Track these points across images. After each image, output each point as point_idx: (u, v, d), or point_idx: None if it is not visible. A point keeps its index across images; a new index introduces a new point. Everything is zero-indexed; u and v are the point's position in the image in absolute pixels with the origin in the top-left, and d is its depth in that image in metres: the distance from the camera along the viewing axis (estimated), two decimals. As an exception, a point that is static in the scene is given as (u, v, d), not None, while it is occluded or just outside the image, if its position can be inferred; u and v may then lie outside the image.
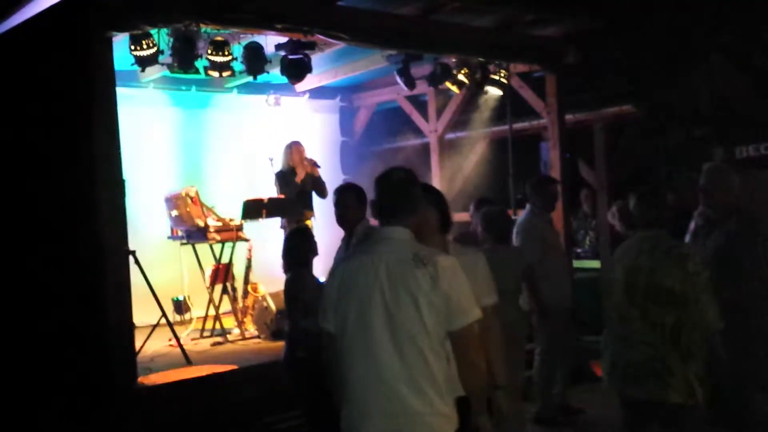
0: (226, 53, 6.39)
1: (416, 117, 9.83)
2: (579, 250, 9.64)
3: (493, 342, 3.40)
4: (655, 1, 9.06)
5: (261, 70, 6.63)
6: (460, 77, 7.91)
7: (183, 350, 6.17)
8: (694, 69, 9.38)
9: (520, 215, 6.44)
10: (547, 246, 6.07)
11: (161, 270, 7.04)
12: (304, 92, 9.58)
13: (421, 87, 8.54)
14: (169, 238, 7.43)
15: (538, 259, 5.96)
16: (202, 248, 7.24)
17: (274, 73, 7.29)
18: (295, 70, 6.75)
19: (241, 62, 6.62)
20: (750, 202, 8.47)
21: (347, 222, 4.41)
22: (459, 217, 9.57)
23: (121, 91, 5.60)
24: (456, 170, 9.69)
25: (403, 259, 2.76)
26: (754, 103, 8.87)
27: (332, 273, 2.95)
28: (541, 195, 6.23)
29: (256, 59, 6.58)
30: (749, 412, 4.69)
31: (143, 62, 5.94)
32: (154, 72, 7.25)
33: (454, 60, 7.89)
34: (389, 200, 2.90)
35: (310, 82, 8.58)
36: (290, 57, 6.64)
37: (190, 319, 7.74)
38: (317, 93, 9.79)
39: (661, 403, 3.76)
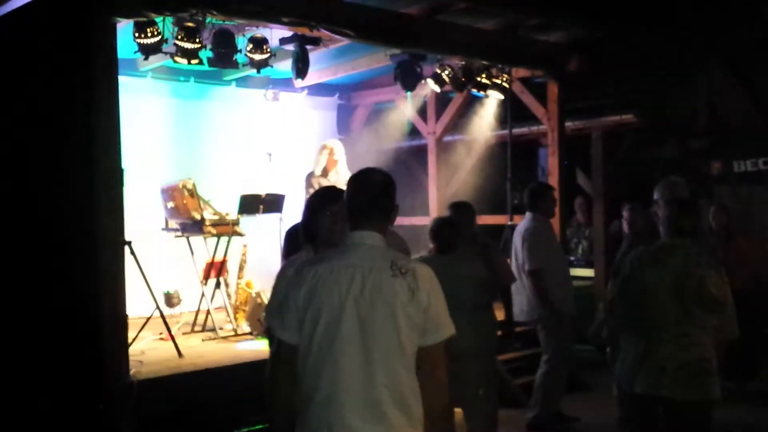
0: (231, 45, 6.33)
1: (414, 118, 9.79)
2: (572, 259, 9.63)
3: None
4: (656, 12, 9.08)
5: (265, 64, 6.58)
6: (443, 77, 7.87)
7: (175, 344, 6.09)
8: (693, 82, 9.41)
9: (521, 222, 6.38)
10: (551, 252, 6.05)
11: (153, 262, 6.92)
12: (302, 88, 9.52)
13: (421, 88, 8.49)
14: (163, 229, 7.33)
15: (543, 265, 5.94)
16: (197, 241, 7.15)
17: (275, 68, 7.24)
18: (303, 65, 6.72)
19: (245, 55, 6.56)
20: (744, 216, 8.51)
21: None
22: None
23: (119, 80, 5.50)
24: (453, 173, 9.66)
25: (379, 268, 2.56)
26: (752, 118, 8.90)
27: (298, 278, 2.64)
28: (544, 201, 6.20)
29: (260, 52, 6.52)
30: None
31: (147, 50, 5.86)
32: (154, 61, 7.15)
33: (462, 63, 7.85)
34: (366, 203, 2.69)
35: (310, 78, 8.50)
36: (298, 51, 6.59)
37: (180, 313, 7.65)
38: (316, 90, 9.74)
39: (706, 402, 3.89)
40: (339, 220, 3.32)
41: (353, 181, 2.76)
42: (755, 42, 8.83)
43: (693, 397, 3.87)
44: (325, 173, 7.52)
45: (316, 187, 7.06)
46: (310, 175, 7.56)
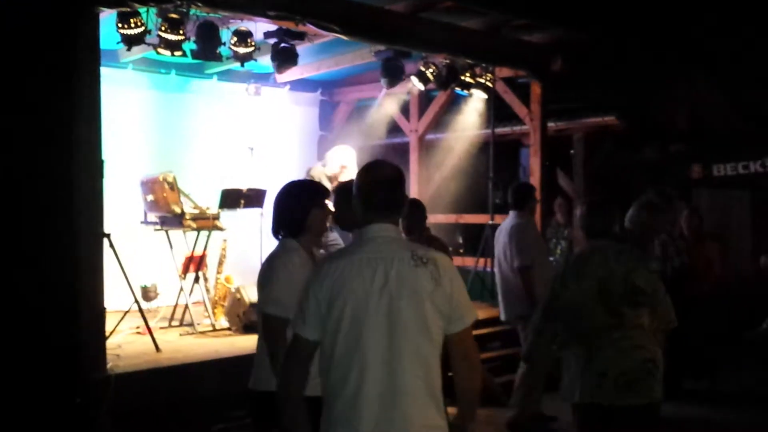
0: (215, 37, 6.27)
1: (397, 116, 9.77)
2: (551, 259, 9.65)
3: None
4: (640, 17, 9.12)
5: (249, 57, 6.53)
6: (427, 74, 7.86)
7: (153, 338, 6.02)
8: (674, 85, 9.48)
9: (506, 221, 6.38)
10: (537, 250, 6.05)
11: (131, 255, 6.85)
12: (284, 83, 9.47)
13: (404, 86, 8.47)
14: (142, 222, 7.24)
15: (532, 263, 5.95)
16: (176, 235, 7.07)
17: (258, 62, 7.19)
18: (286, 58, 6.65)
19: (228, 48, 6.50)
20: (722, 220, 8.61)
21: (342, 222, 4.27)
22: (435, 219, 9.60)
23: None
24: (434, 171, 9.65)
25: (401, 258, 2.56)
26: (732, 123, 8.98)
27: (318, 273, 2.63)
28: (530, 200, 6.22)
29: (244, 46, 6.46)
30: None
31: (130, 41, 5.79)
32: (136, 52, 7.08)
33: (446, 61, 7.84)
34: (384, 196, 2.67)
35: (292, 73, 8.49)
36: (281, 45, 6.53)
37: (157, 307, 7.57)
38: (298, 85, 9.69)
39: (649, 405, 3.79)
40: (329, 215, 3.46)
41: (367, 174, 2.72)
42: (736, 47, 8.92)
43: (635, 401, 3.77)
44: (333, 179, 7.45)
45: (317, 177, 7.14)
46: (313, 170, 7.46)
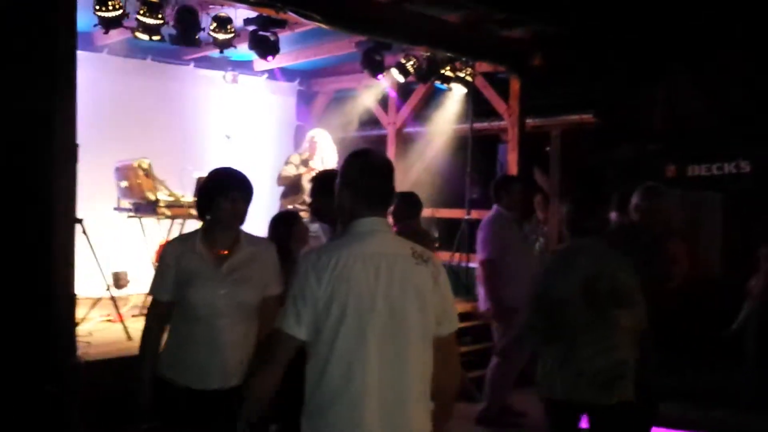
0: (194, 22, 6.19)
1: (375, 108, 9.73)
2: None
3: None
4: (619, 14, 9.16)
5: (228, 44, 6.45)
6: (408, 67, 7.84)
7: (124, 326, 5.94)
8: (653, 84, 9.53)
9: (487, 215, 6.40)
10: (507, 246, 6.02)
11: (103, 242, 6.74)
12: (262, 72, 9.38)
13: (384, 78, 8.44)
14: (115, 209, 7.14)
15: (495, 257, 5.94)
16: (149, 223, 6.98)
17: (236, 50, 7.12)
18: (265, 46, 6.58)
19: (207, 34, 6.42)
20: (693, 221, 8.66)
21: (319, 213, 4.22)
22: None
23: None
24: (411, 165, 9.63)
25: (404, 256, 2.44)
26: (709, 122, 9.04)
27: (313, 268, 2.42)
28: (505, 194, 6.18)
29: (224, 32, 6.38)
30: None
31: (107, 24, 5.71)
32: (113, 36, 6.95)
33: (427, 54, 7.82)
34: (380, 189, 2.51)
35: (270, 62, 8.39)
36: (260, 33, 6.46)
37: (127, 296, 7.46)
38: (276, 74, 9.59)
39: (624, 404, 3.77)
40: (239, 205, 3.33)
41: (359, 162, 2.54)
42: (714, 47, 8.98)
43: (611, 400, 3.76)
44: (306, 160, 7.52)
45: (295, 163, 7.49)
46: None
